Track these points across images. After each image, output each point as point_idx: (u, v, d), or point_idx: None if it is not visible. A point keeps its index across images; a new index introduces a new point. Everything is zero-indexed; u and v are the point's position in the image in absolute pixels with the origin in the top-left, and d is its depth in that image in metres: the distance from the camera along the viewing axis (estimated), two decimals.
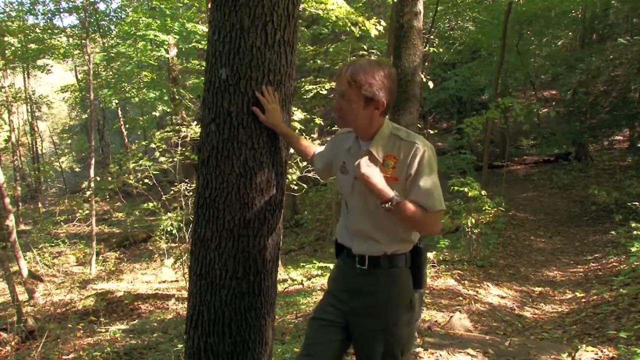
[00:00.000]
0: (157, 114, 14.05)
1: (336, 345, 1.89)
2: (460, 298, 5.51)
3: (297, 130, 7.07)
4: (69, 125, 28.62)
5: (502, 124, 9.37)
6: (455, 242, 7.91)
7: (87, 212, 12.06)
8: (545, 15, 13.65)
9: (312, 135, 8.14)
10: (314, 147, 2.23)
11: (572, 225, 9.73)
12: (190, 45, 12.80)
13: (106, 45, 15.24)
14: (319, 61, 9.75)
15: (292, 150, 2.30)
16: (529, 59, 15.32)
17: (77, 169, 22.86)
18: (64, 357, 5.06)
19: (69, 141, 26.74)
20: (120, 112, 20.45)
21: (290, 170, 7.13)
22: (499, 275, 6.82)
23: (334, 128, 9.33)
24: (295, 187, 7.46)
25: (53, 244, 12.51)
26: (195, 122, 8.10)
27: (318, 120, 8.67)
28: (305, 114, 7.72)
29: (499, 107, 8.90)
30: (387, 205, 1.70)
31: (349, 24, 7.55)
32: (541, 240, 8.85)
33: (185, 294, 6.29)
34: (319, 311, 1.96)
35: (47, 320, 6.73)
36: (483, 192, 7.08)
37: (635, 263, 5.53)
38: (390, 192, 1.71)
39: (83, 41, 13.21)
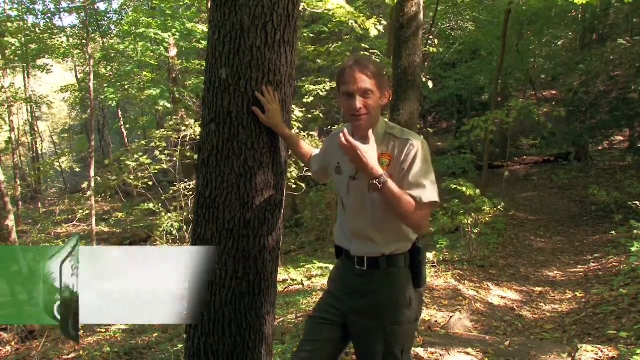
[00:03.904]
0: (160, 108, 14.00)
1: (333, 343, 1.89)
2: (460, 298, 5.51)
3: (295, 129, 7.06)
4: (69, 125, 28.61)
5: (505, 123, 9.37)
6: (455, 242, 7.91)
7: (87, 212, 12.06)
8: (545, 15, 13.65)
9: (311, 134, 8.12)
10: (313, 149, 2.23)
11: (572, 225, 9.73)
12: (190, 45, 12.81)
13: (106, 45, 15.23)
14: (319, 61, 9.75)
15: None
16: (529, 59, 15.31)
17: (77, 169, 22.84)
18: (64, 357, 5.06)
19: (70, 141, 26.73)
20: (120, 112, 20.45)
21: (290, 170, 7.13)
22: (499, 275, 6.82)
23: (333, 127, 9.33)
24: (297, 186, 7.45)
25: (53, 244, 12.51)
26: (194, 122, 8.09)
27: (317, 113, 8.63)
28: (304, 110, 7.71)
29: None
30: (374, 182, 1.64)
31: (351, 22, 7.57)
32: (541, 240, 8.84)
33: None
34: (317, 310, 1.98)
35: None
36: (477, 191, 7.09)
37: (635, 263, 5.52)
38: (380, 170, 1.66)
39: (83, 41, 13.20)
